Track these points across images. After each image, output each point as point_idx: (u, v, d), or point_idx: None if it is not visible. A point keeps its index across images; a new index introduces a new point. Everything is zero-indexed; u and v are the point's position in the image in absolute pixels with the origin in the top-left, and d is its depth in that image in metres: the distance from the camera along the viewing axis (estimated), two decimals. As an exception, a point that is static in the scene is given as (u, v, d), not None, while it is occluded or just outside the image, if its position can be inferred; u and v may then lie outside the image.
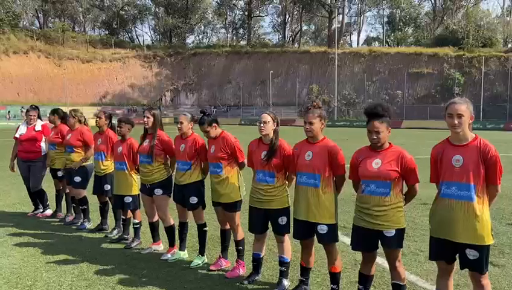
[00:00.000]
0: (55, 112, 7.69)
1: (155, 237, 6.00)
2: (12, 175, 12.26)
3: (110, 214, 6.94)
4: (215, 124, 5.01)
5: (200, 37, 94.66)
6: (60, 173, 7.58)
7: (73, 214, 7.58)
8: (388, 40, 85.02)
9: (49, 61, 69.32)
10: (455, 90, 55.09)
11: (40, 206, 8.03)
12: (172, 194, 5.60)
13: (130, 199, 6.08)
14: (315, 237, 4.30)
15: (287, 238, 4.68)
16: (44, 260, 5.56)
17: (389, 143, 3.81)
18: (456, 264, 3.55)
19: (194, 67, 74.71)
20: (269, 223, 4.70)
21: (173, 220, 5.77)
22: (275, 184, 4.53)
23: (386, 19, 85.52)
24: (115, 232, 6.67)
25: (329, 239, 4.16)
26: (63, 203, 7.88)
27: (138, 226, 6.21)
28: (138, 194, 6.13)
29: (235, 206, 5.00)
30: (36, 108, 7.80)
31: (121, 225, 6.62)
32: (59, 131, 7.53)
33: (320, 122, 4.17)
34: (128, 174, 6.06)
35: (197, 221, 5.45)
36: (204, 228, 5.47)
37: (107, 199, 6.88)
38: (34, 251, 5.92)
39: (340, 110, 59.66)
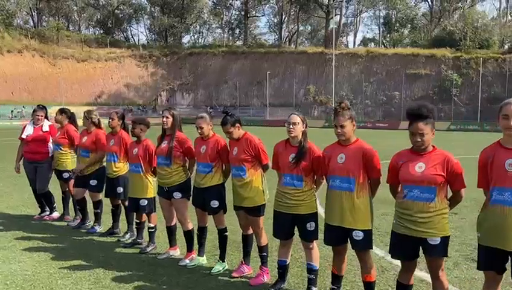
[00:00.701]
0: (62, 111, 7.44)
1: (172, 242, 5.78)
2: (13, 176, 11.98)
3: (122, 218, 6.72)
4: (238, 125, 4.80)
5: (196, 36, 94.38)
6: (65, 175, 7.34)
7: (80, 217, 7.36)
8: (384, 42, 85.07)
9: (43, 60, 68.71)
10: (453, 92, 55.15)
11: (47, 208, 7.79)
12: (191, 197, 5.39)
13: (146, 202, 5.86)
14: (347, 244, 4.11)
15: (315, 245, 4.49)
16: (57, 265, 5.32)
17: (433, 146, 3.62)
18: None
19: (190, 67, 74.33)
20: (295, 228, 4.51)
21: (192, 224, 5.57)
22: (303, 188, 4.33)
23: (382, 20, 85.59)
24: (128, 236, 6.45)
25: (365, 246, 3.95)
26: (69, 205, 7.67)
27: (153, 230, 5.99)
28: (154, 197, 5.93)
29: (258, 210, 4.80)
30: (43, 108, 7.55)
31: (134, 229, 6.42)
32: (65, 131, 7.29)
33: (352, 123, 3.96)
34: (144, 177, 5.84)
35: (218, 225, 5.24)
36: (225, 233, 5.26)
37: (119, 202, 6.66)
38: (45, 256, 5.68)
39: (337, 111, 59.40)
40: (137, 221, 6.18)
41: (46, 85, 64.82)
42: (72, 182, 7.33)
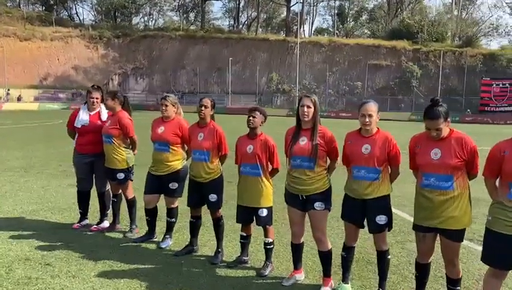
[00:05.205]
0: (114, 95, 5.88)
1: (298, 264, 4.60)
2: (8, 170, 10.26)
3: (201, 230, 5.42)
4: (449, 119, 3.67)
5: (146, 19, 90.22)
6: (120, 175, 5.86)
7: (137, 226, 6.00)
8: (337, 32, 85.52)
9: (-19, 38, 62.84)
10: (413, 83, 56.42)
11: (87, 216, 6.31)
12: (344, 210, 4.23)
13: (266, 213, 4.64)
14: None
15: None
16: (167, 302, 4.00)
17: None
18: None
19: (145, 51, 70.66)
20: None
21: (330, 243, 4.42)
22: None
23: (336, 11, 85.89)
24: (220, 255, 5.13)
25: None
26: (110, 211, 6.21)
27: (271, 246, 4.78)
28: (271, 207, 4.73)
29: (462, 234, 3.72)
30: (99, 88, 5.99)
31: (223, 246, 5.18)
32: (118, 119, 5.79)
33: None
34: (264, 181, 4.62)
35: (381, 246, 4.13)
36: (389, 256, 4.17)
37: (200, 213, 5.34)
38: (137, 286, 4.30)
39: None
40: (244, 234, 4.91)
41: (-14, 65, 59.25)
42: (129, 183, 5.92)
